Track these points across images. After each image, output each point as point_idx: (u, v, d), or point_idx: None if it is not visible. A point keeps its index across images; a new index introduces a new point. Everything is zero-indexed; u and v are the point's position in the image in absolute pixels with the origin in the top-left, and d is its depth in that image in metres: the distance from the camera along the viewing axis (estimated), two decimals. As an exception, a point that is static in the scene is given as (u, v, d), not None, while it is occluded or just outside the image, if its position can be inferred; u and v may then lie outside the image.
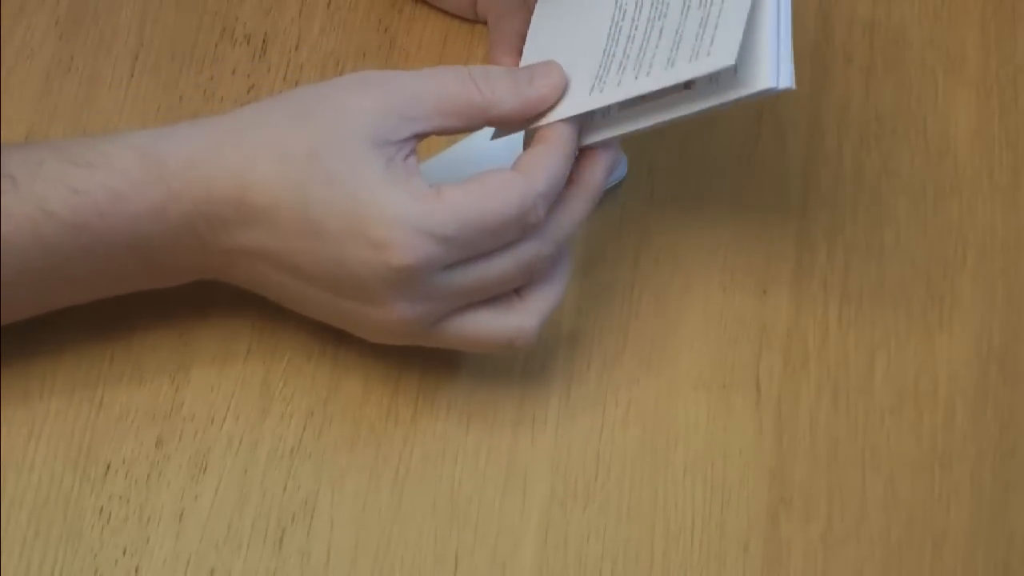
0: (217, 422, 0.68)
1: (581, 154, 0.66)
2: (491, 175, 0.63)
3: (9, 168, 0.62)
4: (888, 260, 0.73)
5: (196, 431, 0.68)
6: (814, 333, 0.71)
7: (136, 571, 0.65)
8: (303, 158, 0.62)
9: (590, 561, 0.66)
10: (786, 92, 0.62)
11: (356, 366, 0.69)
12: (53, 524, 0.66)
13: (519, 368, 0.70)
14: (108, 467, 0.67)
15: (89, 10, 0.77)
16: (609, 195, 0.73)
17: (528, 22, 0.70)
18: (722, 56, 0.62)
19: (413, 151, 0.64)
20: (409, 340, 0.65)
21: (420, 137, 0.64)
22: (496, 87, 0.65)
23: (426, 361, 0.69)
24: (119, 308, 0.69)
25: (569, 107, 0.66)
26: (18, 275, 0.63)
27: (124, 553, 0.66)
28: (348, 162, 0.62)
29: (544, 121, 0.66)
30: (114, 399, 0.68)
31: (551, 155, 0.64)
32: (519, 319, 0.65)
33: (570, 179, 0.65)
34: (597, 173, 0.66)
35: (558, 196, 0.65)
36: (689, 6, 0.65)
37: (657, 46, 0.65)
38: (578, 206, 0.66)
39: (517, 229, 0.63)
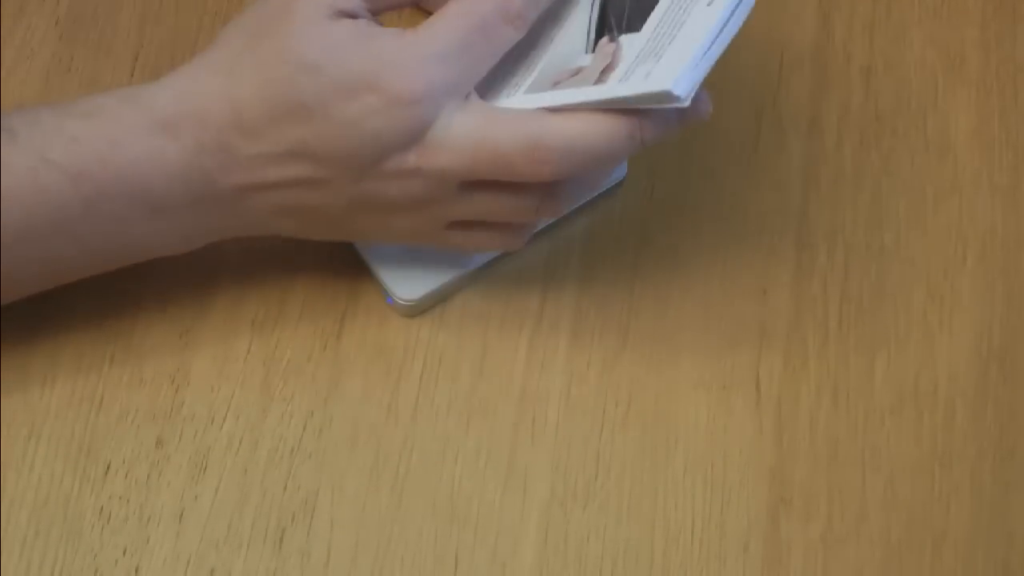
0: (217, 422, 0.68)
1: None
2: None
3: (9, 122, 0.62)
4: (888, 260, 0.73)
5: (196, 431, 0.68)
6: (814, 333, 0.71)
7: (136, 571, 0.65)
8: (276, 60, 0.62)
9: (590, 561, 0.66)
10: (676, 104, 0.61)
11: (356, 366, 0.69)
12: (53, 524, 0.66)
13: (519, 368, 0.70)
14: (108, 467, 0.67)
15: (89, 10, 0.77)
16: (609, 195, 0.73)
17: None
18: (664, 81, 0.62)
19: (374, 22, 0.64)
20: (430, 222, 0.65)
21: (374, 11, 0.64)
22: None
23: (426, 361, 0.70)
24: (119, 308, 0.69)
25: (516, 102, 0.65)
26: (21, 231, 0.62)
27: (124, 553, 0.66)
28: (318, 44, 0.62)
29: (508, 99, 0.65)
30: (114, 399, 0.68)
31: None
32: (545, 124, 0.62)
33: None
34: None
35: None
36: (657, 34, 0.65)
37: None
38: None
39: (503, 21, 0.62)
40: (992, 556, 0.67)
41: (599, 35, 0.67)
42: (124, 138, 0.62)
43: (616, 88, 0.63)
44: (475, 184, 0.63)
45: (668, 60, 0.63)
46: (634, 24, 0.67)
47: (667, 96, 0.61)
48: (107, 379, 0.68)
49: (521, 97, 0.65)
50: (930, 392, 0.70)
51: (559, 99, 0.64)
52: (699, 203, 0.74)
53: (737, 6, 0.64)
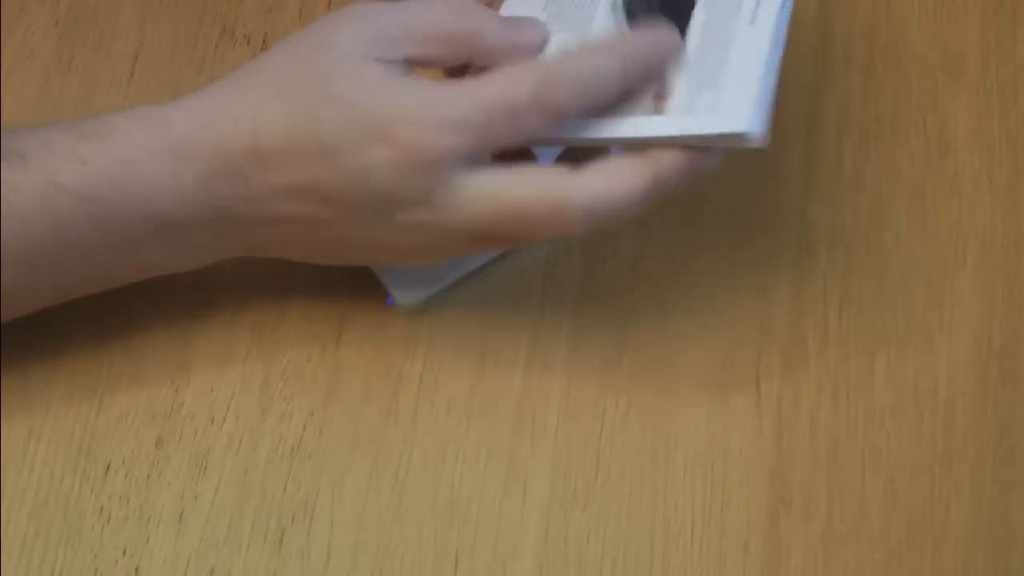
0: (217, 422, 0.68)
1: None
2: (502, 71, 0.62)
3: (20, 146, 0.62)
4: (888, 260, 0.73)
5: (196, 431, 0.68)
6: (814, 333, 0.71)
7: (136, 571, 0.65)
8: (304, 88, 0.62)
9: (590, 561, 0.66)
10: (755, 147, 0.62)
11: (356, 366, 0.69)
12: (53, 524, 0.66)
13: (519, 368, 0.70)
14: (108, 467, 0.67)
15: (89, 10, 0.77)
16: None
17: None
18: (740, 121, 0.61)
19: (409, 71, 0.63)
20: (437, 253, 0.64)
21: (411, 62, 0.63)
22: (484, 19, 0.64)
23: (426, 361, 0.69)
24: (119, 308, 0.69)
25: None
26: (31, 254, 0.62)
27: (124, 553, 0.66)
28: (347, 78, 0.61)
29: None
30: (114, 399, 0.68)
31: (581, 52, 0.63)
32: (565, 182, 0.62)
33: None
34: (646, 38, 0.64)
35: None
36: (703, 55, 0.65)
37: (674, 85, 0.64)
38: (596, 61, 0.63)
39: (536, 110, 0.61)
40: (992, 556, 0.67)
41: None
42: (137, 160, 0.62)
43: (685, 123, 0.62)
44: (490, 237, 0.63)
45: (731, 92, 0.62)
46: None
47: (742, 137, 0.61)
48: (107, 379, 0.68)
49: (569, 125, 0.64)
50: (930, 392, 0.70)
51: (622, 129, 0.63)
52: (699, 203, 0.74)
53: (779, 23, 0.64)
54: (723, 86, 0.63)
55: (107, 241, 0.63)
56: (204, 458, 0.67)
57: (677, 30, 0.64)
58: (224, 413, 0.68)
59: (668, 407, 0.69)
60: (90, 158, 0.62)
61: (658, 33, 0.64)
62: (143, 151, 0.62)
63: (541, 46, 0.66)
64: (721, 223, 0.73)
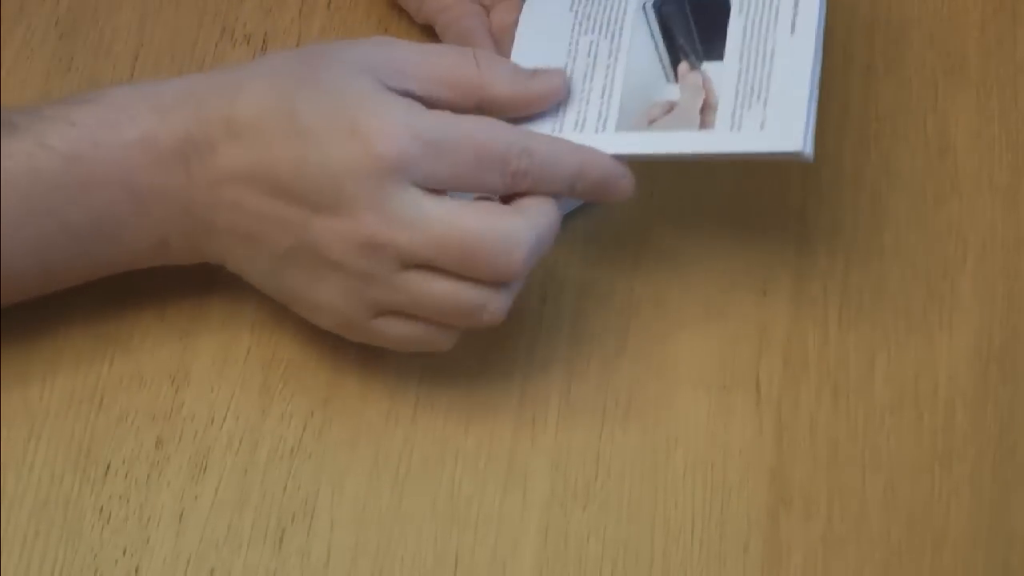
0: (217, 422, 0.68)
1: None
2: (488, 118, 0.63)
3: (12, 118, 0.63)
4: (888, 260, 0.73)
5: (196, 431, 0.68)
6: (814, 333, 0.71)
7: (136, 571, 0.65)
8: (293, 77, 0.63)
9: (590, 561, 0.66)
10: (803, 161, 0.63)
11: (356, 366, 0.69)
12: (53, 524, 0.66)
13: (519, 368, 0.70)
14: (108, 467, 0.67)
15: (89, 10, 0.77)
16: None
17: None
18: (792, 139, 0.62)
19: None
20: (361, 305, 0.64)
21: (414, 98, 0.63)
22: (495, 68, 0.65)
23: (426, 361, 0.69)
24: (119, 308, 0.69)
25: (596, 139, 0.65)
26: (17, 216, 0.62)
27: (124, 553, 0.66)
28: (340, 76, 0.62)
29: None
30: (114, 399, 0.68)
31: (567, 143, 0.65)
32: (515, 226, 0.63)
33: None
34: (600, 158, 0.65)
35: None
36: (747, 66, 0.65)
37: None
38: (569, 151, 0.64)
39: (498, 169, 0.62)
40: (992, 556, 0.67)
41: (673, 59, 0.67)
42: (121, 121, 0.63)
43: (735, 141, 0.63)
44: (424, 270, 0.62)
45: (780, 108, 0.63)
46: (712, 51, 0.66)
47: (796, 155, 0.62)
48: (107, 379, 0.68)
49: (616, 138, 0.65)
50: (930, 392, 0.70)
51: (669, 145, 0.64)
52: (699, 203, 0.74)
53: (819, 32, 0.64)
54: (771, 101, 0.63)
55: (88, 209, 0.63)
56: (204, 458, 0.67)
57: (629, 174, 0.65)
58: (224, 413, 0.68)
59: (668, 407, 0.69)
60: (79, 120, 0.63)
61: (617, 168, 0.65)
62: (127, 112, 0.63)
63: (555, 96, 0.66)
64: (721, 223, 0.73)
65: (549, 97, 0.66)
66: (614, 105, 0.66)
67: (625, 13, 0.68)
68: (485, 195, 0.64)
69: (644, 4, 0.68)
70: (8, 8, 0.76)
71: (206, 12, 0.77)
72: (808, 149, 0.62)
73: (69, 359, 0.69)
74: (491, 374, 0.70)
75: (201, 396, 0.68)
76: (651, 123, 0.65)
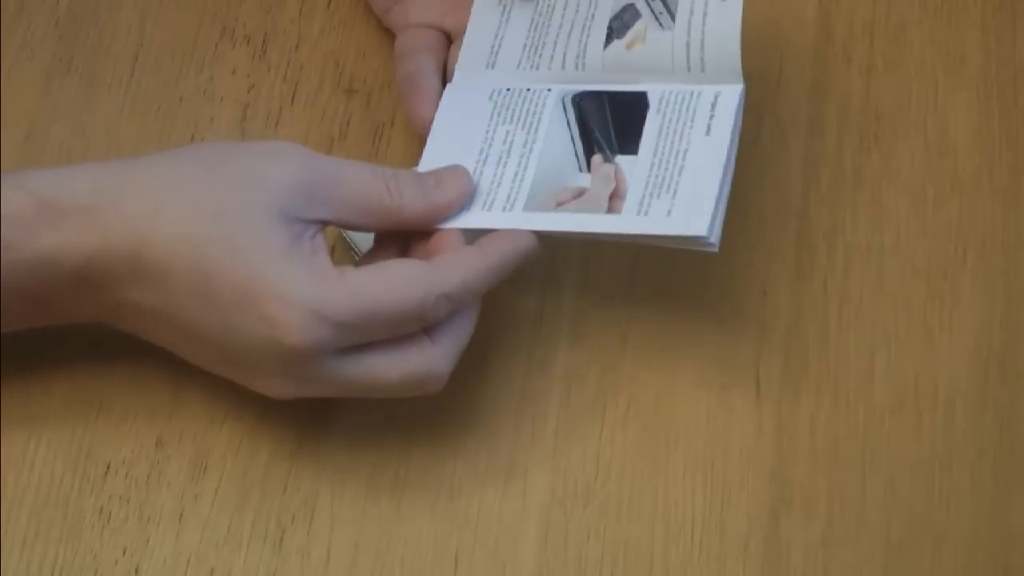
0: (217, 423, 0.68)
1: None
2: (400, 264, 0.63)
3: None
4: (888, 260, 0.73)
5: (196, 432, 0.68)
6: (814, 333, 0.71)
7: (136, 571, 0.65)
8: (207, 218, 0.61)
9: (590, 561, 0.66)
10: (706, 248, 0.64)
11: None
12: (53, 524, 0.66)
13: (519, 368, 0.70)
14: (108, 467, 0.67)
15: (89, 10, 0.77)
16: None
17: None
18: (696, 225, 0.64)
19: (320, 231, 0.63)
20: (302, 396, 0.64)
21: (326, 223, 0.64)
22: (404, 190, 0.65)
23: (426, 361, 0.70)
24: (119, 308, 0.69)
25: (503, 218, 0.66)
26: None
27: (124, 553, 0.66)
28: (252, 231, 0.61)
29: (468, 223, 0.66)
30: (114, 399, 0.68)
31: (473, 260, 0.64)
32: (429, 362, 0.64)
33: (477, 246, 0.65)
34: (503, 246, 0.65)
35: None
36: (659, 161, 0.67)
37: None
38: (476, 273, 0.64)
39: (415, 323, 0.63)
40: (992, 556, 0.67)
41: (588, 151, 0.68)
42: (19, 241, 0.61)
43: (641, 224, 0.65)
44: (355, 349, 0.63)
45: (688, 198, 0.65)
46: (627, 145, 0.68)
47: (699, 240, 0.64)
48: (107, 379, 0.68)
49: (522, 216, 0.66)
50: (930, 392, 0.70)
51: (574, 224, 0.65)
52: (699, 203, 0.74)
53: (734, 132, 0.67)
54: (680, 193, 0.65)
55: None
56: (204, 458, 0.67)
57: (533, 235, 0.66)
58: (224, 414, 0.68)
59: (668, 407, 0.69)
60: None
61: (516, 238, 0.65)
62: (27, 231, 0.61)
63: (463, 199, 0.66)
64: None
65: (458, 202, 0.66)
66: (524, 189, 0.67)
67: (544, 106, 0.69)
68: None
69: (564, 98, 0.69)
70: (8, 8, 0.76)
71: (206, 12, 0.77)
72: (713, 237, 0.64)
73: (69, 359, 0.69)
74: (491, 374, 0.70)
75: (201, 397, 0.68)
76: (559, 206, 0.67)
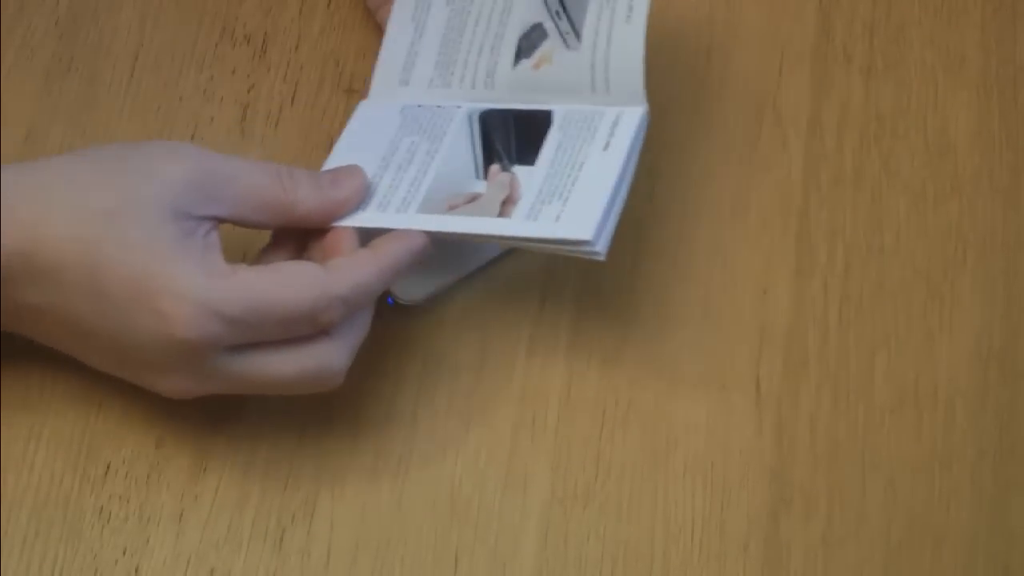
0: (217, 423, 0.68)
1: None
2: (294, 265, 0.63)
3: None
4: (888, 260, 0.73)
5: (196, 432, 0.68)
6: (814, 333, 0.71)
7: (136, 571, 0.65)
8: (100, 216, 0.61)
9: (590, 561, 0.66)
10: (592, 256, 0.64)
11: (356, 366, 0.69)
12: (53, 524, 0.66)
13: (520, 368, 0.70)
14: (108, 467, 0.67)
15: (89, 10, 0.77)
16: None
17: None
18: (583, 229, 0.64)
19: (214, 228, 0.63)
20: (199, 394, 0.64)
21: (221, 220, 0.64)
22: (299, 187, 0.65)
23: (426, 361, 0.69)
24: (119, 308, 0.69)
25: (396, 219, 0.66)
26: None
27: (124, 553, 0.66)
28: (145, 227, 0.61)
29: (361, 221, 0.66)
30: (114, 399, 0.68)
31: (367, 262, 0.64)
32: (325, 357, 0.64)
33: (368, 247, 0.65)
34: (395, 247, 0.65)
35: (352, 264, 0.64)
36: (554, 172, 0.67)
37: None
38: (370, 276, 0.64)
39: (308, 325, 0.63)
40: (992, 556, 0.67)
41: (487, 161, 0.69)
42: None
43: (529, 227, 0.65)
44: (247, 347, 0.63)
45: (577, 205, 0.65)
46: (525, 156, 0.69)
47: (583, 244, 0.64)
48: (107, 379, 0.68)
49: (414, 216, 0.66)
50: (930, 392, 0.70)
51: (463, 226, 0.66)
52: (699, 203, 0.74)
53: (632, 150, 0.67)
54: (570, 200, 0.65)
55: None
56: (204, 458, 0.67)
57: (425, 234, 0.66)
58: (224, 414, 0.68)
59: (668, 407, 0.69)
60: None
61: (408, 239, 0.65)
62: None
63: (358, 197, 0.67)
64: (721, 223, 0.73)
65: (354, 199, 0.66)
66: (420, 192, 0.68)
67: (451, 122, 0.70)
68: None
69: (471, 115, 0.70)
70: (8, 8, 0.76)
71: (206, 12, 0.77)
72: (600, 245, 0.64)
73: (69, 359, 0.69)
74: (491, 374, 0.70)
75: (201, 396, 0.68)
76: (451, 209, 0.67)
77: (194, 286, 0.61)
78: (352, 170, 0.67)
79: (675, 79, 0.76)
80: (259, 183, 0.64)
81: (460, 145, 0.69)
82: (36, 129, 0.74)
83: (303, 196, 0.65)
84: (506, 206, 0.66)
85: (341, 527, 0.67)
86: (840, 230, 0.73)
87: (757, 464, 0.68)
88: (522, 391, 0.69)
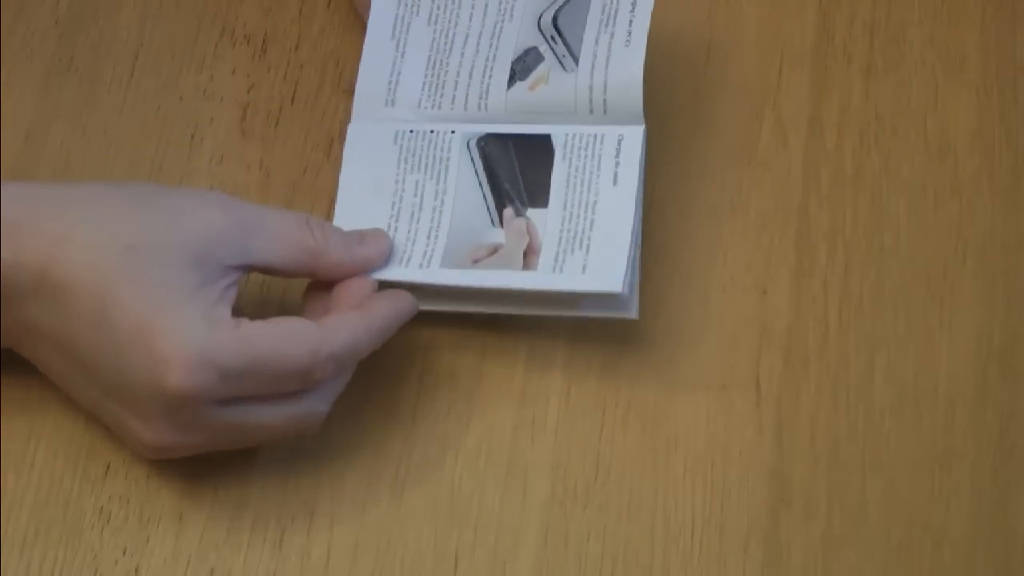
0: (217, 422, 0.68)
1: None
2: (292, 322, 0.64)
3: None
4: (888, 260, 0.73)
5: (196, 431, 0.68)
6: (814, 333, 0.71)
7: (136, 571, 0.65)
8: (121, 248, 0.62)
9: (590, 561, 0.66)
10: (623, 314, 0.67)
11: (356, 367, 0.69)
12: (53, 524, 0.66)
13: (520, 368, 0.70)
14: (108, 467, 0.67)
15: (89, 10, 0.77)
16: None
17: None
18: (611, 281, 0.66)
19: (235, 282, 0.64)
20: (178, 452, 0.65)
21: (247, 269, 0.64)
22: (328, 237, 0.66)
23: (426, 361, 0.69)
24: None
25: (423, 274, 0.68)
26: None
27: (124, 553, 0.66)
28: (162, 268, 0.62)
29: (385, 276, 0.67)
30: (114, 399, 0.68)
31: (359, 323, 0.65)
32: (309, 405, 0.64)
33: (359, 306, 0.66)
34: (386, 311, 0.66)
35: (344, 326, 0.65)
36: (570, 214, 0.68)
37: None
38: (361, 337, 0.65)
39: (300, 381, 0.63)
40: (992, 556, 0.67)
41: (498, 203, 0.69)
42: None
43: (556, 279, 0.67)
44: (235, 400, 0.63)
45: (601, 253, 0.67)
46: (537, 198, 0.69)
47: (614, 297, 0.66)
48: (107, 379, 0.68)
49: (438, 272, 0.68)
50: (930, 392, 0.70)
51: (491, 280, 0.67)
52: (699, 203, 0.74)
53: (640, 182, 0.68)
54: (593, 248, 0.67)
55: None
56: (204, 458, 0.67)
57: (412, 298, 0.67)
58: (224, 413, 0.68)
59: (668, 407, 0.69)
60: None
61: (398, 302, 0.66)
62: None
63: (383, 259, 0.68)
64: (721, 223, 0.73)
65: (378, 260, 0.68)
66: (440, 245, 0.68)
67: (450, 151, 0.70)
68: None
69: (468, 142, 0.70)
70: (8, 8, 0.76)
71: (206, 12, 0.77)
72: (627, 291, 0.66)
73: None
74: (491, 374, 0.70)
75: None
76: (475, 263, 0.68)
77: (196, 335, 0.61)
78: (378, 233, 0.68)
79: (675, 78, 0.76)
80: (287, 230, 0.65)
81: (467, 184, 0.70)
82: (36, 129, 0.74)
83: (332, 246, 0.66)
84: (528, 257, 0.68)
85: (341, 527, 0.66)
86: (840, 230, 0.73)
87: (757, 464, 0.68)
88: (522, 391, 0.69)
